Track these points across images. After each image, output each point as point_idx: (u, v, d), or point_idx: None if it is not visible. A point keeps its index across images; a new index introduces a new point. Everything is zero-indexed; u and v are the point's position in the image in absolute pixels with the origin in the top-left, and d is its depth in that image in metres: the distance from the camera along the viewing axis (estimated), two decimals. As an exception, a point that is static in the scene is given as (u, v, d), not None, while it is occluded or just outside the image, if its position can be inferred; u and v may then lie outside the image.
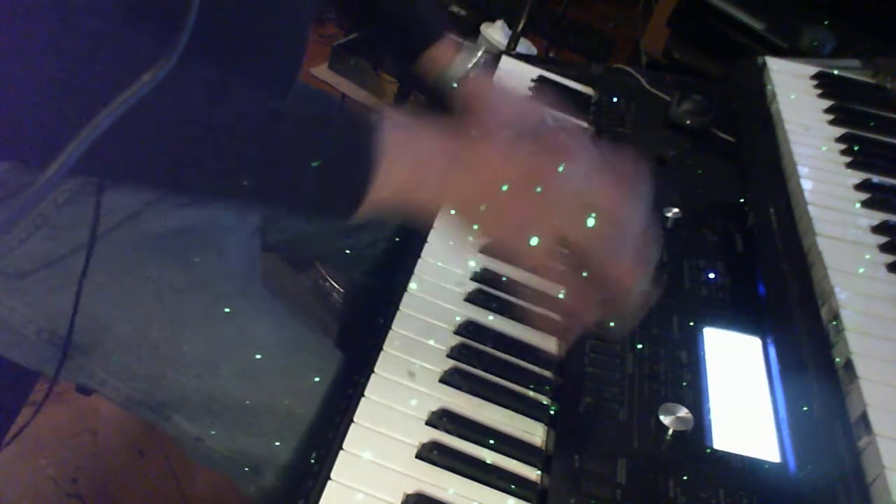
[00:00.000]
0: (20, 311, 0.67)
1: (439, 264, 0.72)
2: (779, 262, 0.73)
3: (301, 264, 1.64)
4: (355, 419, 0.57)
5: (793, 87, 0.97)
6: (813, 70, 1.01)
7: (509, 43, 1.53)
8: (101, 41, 0.49)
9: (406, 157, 0.53)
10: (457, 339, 0.65)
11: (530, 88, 0.98)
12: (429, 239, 0.74)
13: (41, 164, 0.41)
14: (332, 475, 0.53)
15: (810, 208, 0.76)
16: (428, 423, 0.58)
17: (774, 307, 0.70)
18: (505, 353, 0.65)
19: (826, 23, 1.34)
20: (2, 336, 0.69)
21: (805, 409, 0.60)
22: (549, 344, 0.67)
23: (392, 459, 0.55)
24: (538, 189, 0.54)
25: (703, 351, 0.67)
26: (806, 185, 0.79)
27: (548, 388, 0.63)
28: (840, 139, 0.88)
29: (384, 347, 0.63)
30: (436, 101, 0.84)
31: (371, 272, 0.95)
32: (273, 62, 0.68)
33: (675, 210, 0.80)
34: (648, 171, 0.58)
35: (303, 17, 0.70)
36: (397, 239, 0.92)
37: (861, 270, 0.70)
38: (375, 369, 0.61)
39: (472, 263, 0.73)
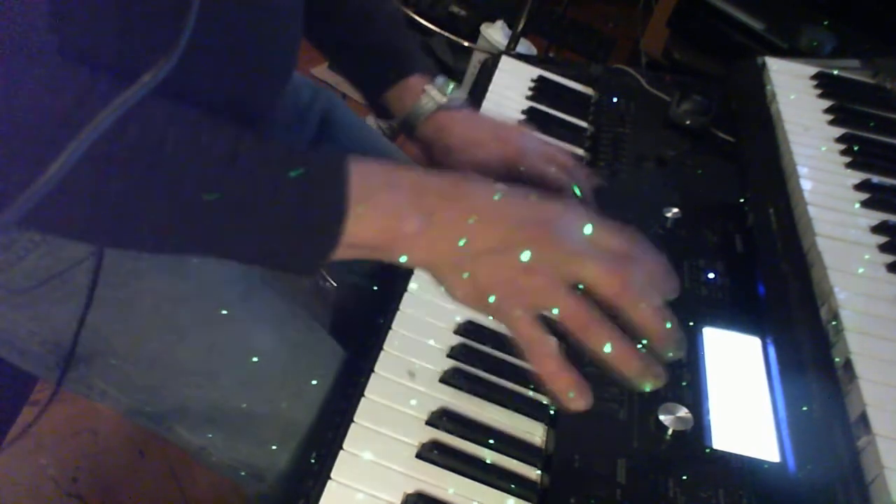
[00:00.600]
0: (23, 323, 0.66)
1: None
2: (778, 262, 0.73)
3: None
4: (355, 419, 0.57)
5: (792, 88, 0.97)
6: (813, 70, 1.01)
7: (509, 43, 1.53)
8: (101, 41, 0.49)
9: (377, 212, 0.50)
10: (457, 339, 0.66)
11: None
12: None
13: (41, 165, 0.41)
14: (332, 475, 0.53)
15: (810, 208, 0.76)
16: (428, 423, 0.58)
17: (774, 307, 0.70)
18: (505, 352, 0.65)
19: (826, 23, 1.34)
20: (6, 347, 0.69)
21: (804, 408, 0.60)
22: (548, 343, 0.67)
23: (392, 459, 0.56)
24: (523, 257, 0.49)
25: (703, 351, 0.67)
26: (806, 185, 0.79)
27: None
28: (840, 139, 0.88)
29: (384, 347, 0.63)
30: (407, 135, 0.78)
31: (371, 272, 0.95)
32: (271, 60, 0.67)
33: (675, 210, 0.80)
34: (646, 240, 0.52)
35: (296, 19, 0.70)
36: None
37: (861, 270, 0.70)
38: (375, 369, 0.61)
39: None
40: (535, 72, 1.05)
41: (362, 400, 0.58)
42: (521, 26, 1.49)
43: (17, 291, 0.65)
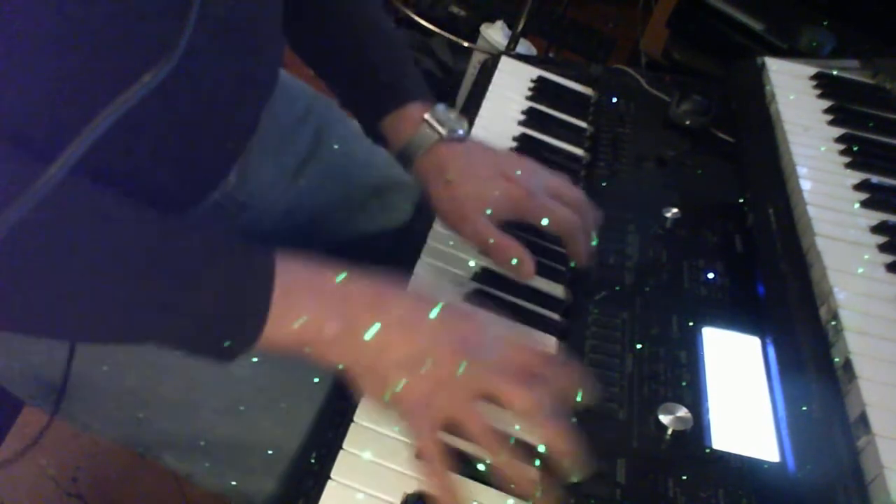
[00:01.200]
0: (7, 363, 0.66)
1: (439, 264, 0.72)
2: (778, 262, 0.73)
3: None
4: (355, 419, 0.57)
5: (792, 88, 0.97)
6: (812, 70, 1.01)
7: (509, 43, 1.53)
8: (101, 41, 0.49)
9: (297, 317, 0.50)
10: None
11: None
12: (429, 239, 0.74)
13: (41, 165, 0.41)
14: (332, 475, 0.53)
15: (809, 208, 0.76)
16: (428, 423, 0.58)
17: (773, 307, 0.70)
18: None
19: (825, 23, 1.34)
20: None
21: (804, 408, 0.60)
22: (548, 344, 0.67)
23: (392, 459, 0.55)
24: (437, 372, 0.51)
25: (703, 351, 0.67)
26: (805, 185, 0.79)
27: (547, 387, 0.63)
28: (839, 139, 0.88)
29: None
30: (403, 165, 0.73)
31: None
32: (262, 65, 0.67)
33: (675, 210, 0.81)
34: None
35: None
36: (398, 237, 0.92)
37: (860, 270, 0.70)
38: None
39: (471, 263, 0.73)
40: (535, 72, 1.05)
41: (362, 400, 0.58)
42: (520, 26, 1.49)
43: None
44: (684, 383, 0.64)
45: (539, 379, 0.53)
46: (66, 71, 0.49)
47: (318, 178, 0.86)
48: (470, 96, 0.99)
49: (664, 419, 0.60)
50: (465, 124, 0.71)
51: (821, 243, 0.71)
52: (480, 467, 0.55)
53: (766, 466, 0.58)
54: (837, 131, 0.90)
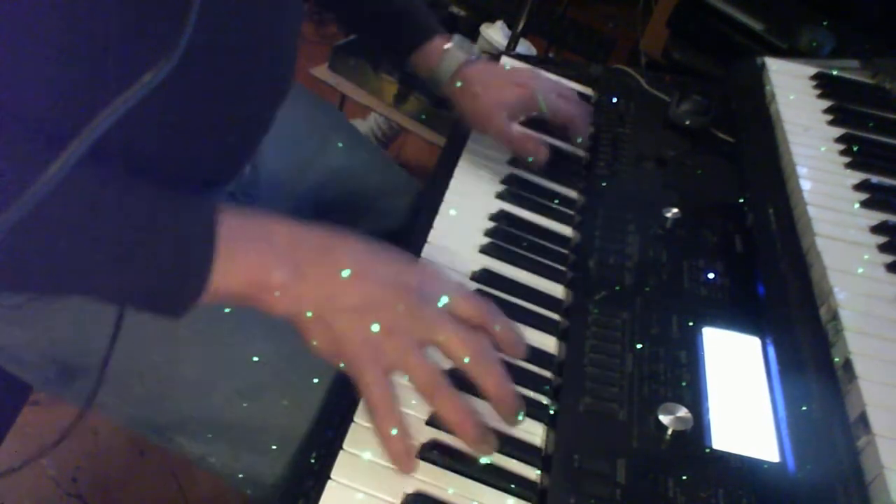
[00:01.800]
0: (20, 336, 0.66)
1: (439, 264, 0.72)
2: (778, 262, 0.73)
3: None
4: (355, 419, 0.57)
5: (792, 88, 0.97)
6: (812, 70, 1.01)
7: (509, 43, 1.53)
8: (101, 41, 0.49)
9: (244, 264, 0.51)
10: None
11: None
12: (429, 239, 0.74)
13: (41, 165, 0.41)
14: (332, 475, 0.53)
15: (809, 208, 0.76)
16: (428, 423, 0.58)
17: (774, 307, 0.70)
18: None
19: (825, 23, 1.34)
20: (5, 358, 0.69)
21: (804, 408, 0.60)
22: (548, 344, 0.67)
23: (392, 459, 0.55)
24: (384, 318, 0.52)
25: (703, 351, 0.67)
26: (805, 185, 0.79)
27: (547, 388, 0.63)
28: (839, 139, 0.88)
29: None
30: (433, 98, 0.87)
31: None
32: (271, 67, 0.67)
33: (675, 210, 0.81)
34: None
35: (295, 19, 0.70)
36: (398, 239, 0.92)
37: (860, 270, 0.70)
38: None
39: (471, 264, 0.73)
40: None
41: (362, 399, 0.58)
42: (520, 27, 1.49)
43: (12, 305, 0.65)
44: (684, 383, 0.64)
45: (482, 328, 0.56)
46: (67, 71, 0.49)
47: (324, 177, 0.89)
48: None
49: (664, 419, 0.60)
50: (478, 50, 0.88)
51: (821, 243, 0.71)
52: (484, 461, 0.55)
53: (766, 466, 0.58)
54: (837, 131, 0.90)
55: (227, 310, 0.68)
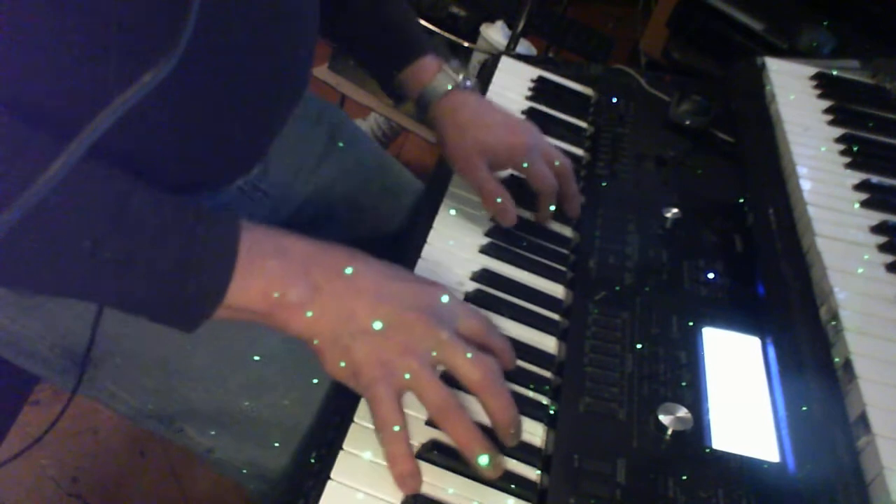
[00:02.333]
0: (33, 327, 0.67)
1: (439, 264, 0.72)
2: (778, 262, 0.73)
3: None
4: (355, 419, 0.57)
5: (792, 88, 0.97)
6: (812, 70, 1.01)
7: (509, 43, 1.53)
8: (101, 41, 0.49)
9: (261, 278, 0.51)
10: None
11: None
12: (429, 239, 0.74)
13: (42, 165, 0.41)
14: (332, 475, 0.53)
15: (809, 208, 0.76)
16: (428, 423, 0.58)
17: (774, 307, 0.70)
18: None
19: (825, 23, 1.34)
20: (15, 350, 0.70)
21: (804, 408, 0.60)
22: (548, 344, 0.67)
23: (392, 459, 0.55)
24: (402, 340, 0.53)
25: (703, 351, 0.67)
26: (805, 185, 0.79)
27: (547, 388, 0.63)
28: (839, 139, 0.88)
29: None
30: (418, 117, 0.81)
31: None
32: (281, 69, 0.67)
33: (675, 210, 0.81)
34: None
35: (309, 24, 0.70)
36: (398, 239, 0.92)
37: (860, 270, 0.70)
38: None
39: (471, 264, 0.73)
40: (535, 72, 1.05)
41: (363, 399, 0.58)
42: (520, 27, 1.49)
43: (25, 296, 0.65)
44: (684, 383, 0.64)
45: (488, 349, 0.57)
46: (67, 71, 0.49)
47: (332, 176, 0.89)
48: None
49: (664, 419, 0.60)
50: (475, 80, 0.80)
51: (821, 243, 0.71)
52: (482, 461, 0.55)
53: (766, 466, 0.58)
54: (837, 131, 0.90)
55: None
